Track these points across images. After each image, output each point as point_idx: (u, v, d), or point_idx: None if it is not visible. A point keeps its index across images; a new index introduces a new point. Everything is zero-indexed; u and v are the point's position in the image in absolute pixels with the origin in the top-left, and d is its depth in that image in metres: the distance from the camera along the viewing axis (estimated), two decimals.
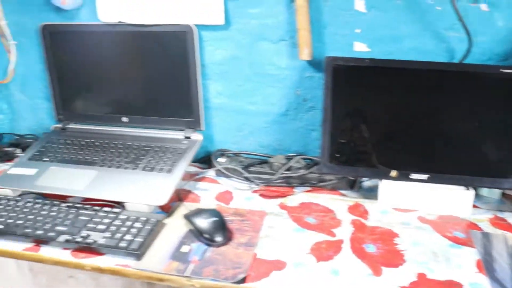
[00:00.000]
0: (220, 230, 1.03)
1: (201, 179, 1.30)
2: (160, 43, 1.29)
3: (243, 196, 1.21)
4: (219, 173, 1.29)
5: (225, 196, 1.21)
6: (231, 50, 1.28)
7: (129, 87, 1.35)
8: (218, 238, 1.02)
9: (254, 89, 1.30)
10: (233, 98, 1.33)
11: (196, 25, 1.25)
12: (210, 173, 1.33)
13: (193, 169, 1.34)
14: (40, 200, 1.17)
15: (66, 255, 1.02)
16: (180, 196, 1.19)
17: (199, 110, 1.31)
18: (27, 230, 1.07)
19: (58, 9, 1.37)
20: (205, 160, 1.35)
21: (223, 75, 1.31)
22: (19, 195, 1.23)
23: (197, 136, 1.32)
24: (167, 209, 1.15)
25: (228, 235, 1.03)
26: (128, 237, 1.02)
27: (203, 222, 1.04)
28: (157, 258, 0.99)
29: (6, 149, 1.50)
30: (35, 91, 1.51)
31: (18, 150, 1.49)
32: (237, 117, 1.34)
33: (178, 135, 1.33)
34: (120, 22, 1.31)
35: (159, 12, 1.28)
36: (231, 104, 1.33)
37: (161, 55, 1.29)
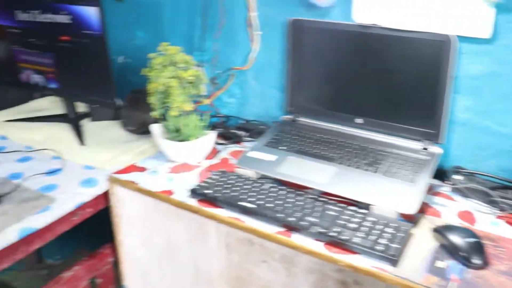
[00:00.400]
0: (479, 252, 0.99)
1: (436, 193, 1.26)
2: (413, 50, 1.26)
3: (486, 219, 1.15)
4: (456, 190, 1.24)
5: (467, 216, 1.16)
6: (490, 66, 1.22)
7: (368, 89, 1.35)
8: (477, 261, 0.97)
9: (508, 109, 1.23)
10: (481, 116, 1.27)
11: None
12: (444, 188, 1.28)
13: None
14: (283, 187, 1.21)
15: (318, 246, 1.04)
16: (421, 207, 1.17)
17: (442, 123, 1.26)
18: (278, 215, 1.11)
19: (310, 6, 1.40)
20: (436, 174, 1.31)
21: (475, 91, 1.26)
22: (259, 178, 1.28)
23: (436, 149, 1.28)
24: (410, 219, 1.12)
25: (486, 259, 0.98)
26: (382, 241, 1.01)
27: (460, 240, 1.00)
28: (412, 268, 0.97)
29: (234, 131, 1.58)
30: (268, 81, 1.57)
31: (244, 134, 1.57)
32: (481, 136, 1.28)
33: (416, 145, 1.30)
34: (374, 24, 1.30)
35: (417, 18, 1.25)
36: (477, 122, 1.27)
37: (411, 62, 1.27)
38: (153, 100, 1.36)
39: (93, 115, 1.78)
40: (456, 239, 1.02)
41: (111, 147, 1.54)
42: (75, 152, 1.50)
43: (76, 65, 1.53)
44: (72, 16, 1.47)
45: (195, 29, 1.65)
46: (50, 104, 1.95)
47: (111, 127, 1.72)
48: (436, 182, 1.32)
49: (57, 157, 1.47)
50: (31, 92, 1.96)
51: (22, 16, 1.60)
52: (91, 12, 1.41)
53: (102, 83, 1.49)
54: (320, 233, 1.06)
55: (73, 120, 1.73)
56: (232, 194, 1.19)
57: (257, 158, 1.32)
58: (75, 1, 1.43)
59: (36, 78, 1.69)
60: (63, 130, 1.68)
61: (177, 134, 1.42)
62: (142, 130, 1.62)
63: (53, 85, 1.65)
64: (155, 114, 1.38)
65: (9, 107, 1.90)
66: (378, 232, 1.04)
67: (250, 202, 1.16)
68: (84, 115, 1.80)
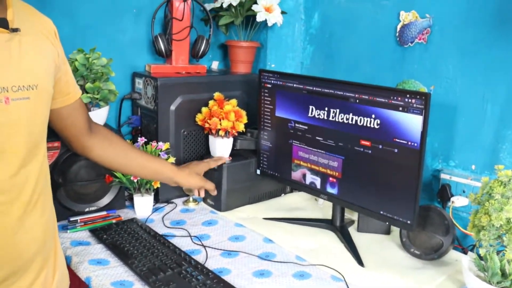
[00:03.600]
0: None
1: None
2: None
3: None
4: None
5: None
6: None
7: None
8: None
9: None
10: None
11: None
12: None
13: None
14: None
15: None
16: None
17: None
18: None
19: None
20: None
21: None
22: None
23: None
24: None
25: None
26: None
27: None
28: None
29: None
30: None
31: None
32: None
33: None
34: None
35: None
36: None
37: None
38: (482, 235, 1.14)
39: (360, 225, 1.62)
40: None
41: (397, 274, 1.36)
42: (356, 275, 1.35)
43: (370, 174, 1.41)
44: (381, 121, 1.33)
45: (505, 142, 1.43)
46: (304, 203, 1.86)
47: (384, 243, 1.55)
48: None
49: (337, 278, 1.32)
50: (295, 188, 1.89)
51: (315, 112, 1.52)
52: (410, 120, 1.27)
53: (401, 200, 1.33)
54: None
55: (339, 228, 1.59)
56: None
57: None
58: (391, 106, 1.29)
59: (312, 179, 1.59)
60: (331, 240, 1.56)
61: (501, 279, 1.17)
62: (430, 256, 1.41)
63: (331, 190, 1.53)
64: (482, 252, 1.15)
65: (262, 199, 1.83)
66: None
67: None
68: (350, 223, 1.66)
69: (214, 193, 1.56)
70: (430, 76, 1.62)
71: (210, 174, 1.68)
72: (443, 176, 1.59)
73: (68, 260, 1.37)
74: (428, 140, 1.59)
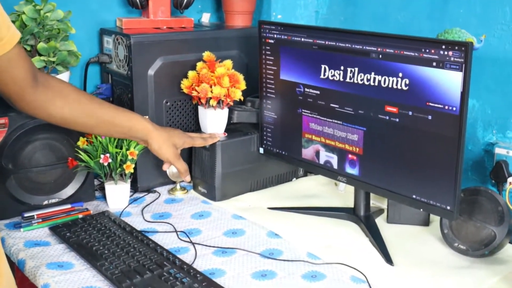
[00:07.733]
0: None
1: None
2: None
3: None
4: None
5: None
6: None
7: None
8: None
9: None
10: None
11: None
12: None
13: None
14: None
15: None
16: None
17: None
18: None
19: None
20: None
21: None
22: None
23: None
24: None
25: None
26: None
27: None
28: None
29: None
30: None
31: None
32: None
33: None
34: None
35: None
36: None
37: None
38: None
39: (390, 215, 1.63)
40: None
41: (436, 275, 1.37)
42: (382, 276, 1.37)
43: (398, 148, 1.43)
44: (410, 80, 1.34)
45: None
46: (321, 189, 1.87)
47: (420, 237, 1.57)
48: None
49: (359, 279, 1.34)
50: (307, 170, 1.93)
51: (328, 73, 1.53)
52: (446, 79, 1.28)
53: (438, 180, 1.34)
54: None
55: (363, 219, 1.61)
56: None
57: None
58: (422, 61, 1.30)
59: (328, 157, 1.60)
60: (353, 233, 1.59)
61: None
62: (479, 252, 1.42)
63: (351, 170, 1.54)
64: None
65: (268, 185, 1.88)
66: None
67: None
68: (377, 213, 1.67)
69: (187, 178, 1.59)
70: (480, 23, 1.60)
71: (200, 155, 1.70)
72: (498, 150, 1.59)
73: (21, 265, 1.40)
74: (478, 105, 1.59)
